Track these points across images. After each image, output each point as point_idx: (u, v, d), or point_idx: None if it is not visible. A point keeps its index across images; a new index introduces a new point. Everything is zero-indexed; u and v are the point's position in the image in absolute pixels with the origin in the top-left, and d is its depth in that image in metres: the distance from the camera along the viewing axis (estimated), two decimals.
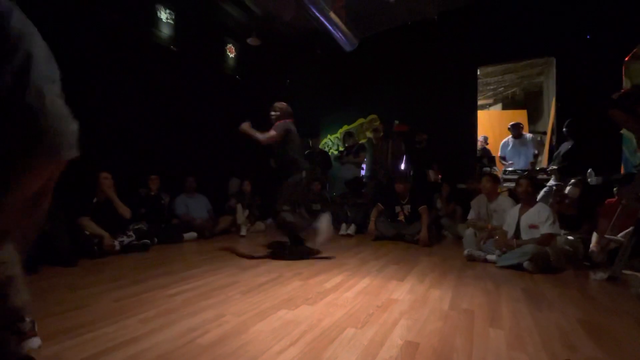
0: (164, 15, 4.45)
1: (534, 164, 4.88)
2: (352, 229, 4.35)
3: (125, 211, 3.20)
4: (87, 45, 3.55)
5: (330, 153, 6.28)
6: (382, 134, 5.35)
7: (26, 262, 2.30)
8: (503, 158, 5.09)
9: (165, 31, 4.47)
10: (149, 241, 3.29)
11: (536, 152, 5.04)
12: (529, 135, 5.20)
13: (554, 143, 4.75)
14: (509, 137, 5.12)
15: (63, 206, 2.78)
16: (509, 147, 5.07)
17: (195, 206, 4.28)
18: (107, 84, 3.75)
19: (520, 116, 6.77)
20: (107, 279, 2.23)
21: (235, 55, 5.68)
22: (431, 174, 4.86)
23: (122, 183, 3.51)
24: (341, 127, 6.71)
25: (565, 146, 3.74)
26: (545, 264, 2.53)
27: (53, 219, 2.65)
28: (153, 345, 1.28)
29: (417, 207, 3.91)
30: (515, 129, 5.03)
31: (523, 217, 2.84)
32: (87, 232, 2.91)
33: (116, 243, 3.05)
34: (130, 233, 3.22)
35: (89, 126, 3.80)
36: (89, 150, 3.40)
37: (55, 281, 2.16)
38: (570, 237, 2.92)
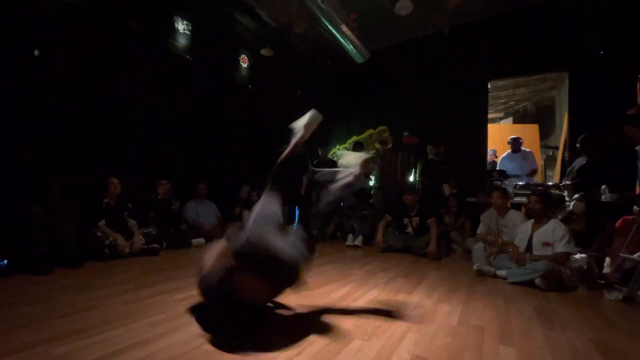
0: (181, 26, 4.60)
1: (530, 178, 4.85)
2: (359, 240, 4.33)
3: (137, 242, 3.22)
4: (106, 54, 3.68)
5: (339, 163, 6.30)
6: (390, 145, 5.36)
7: (40, 263, 2.36)
8: (503, 172, 5.06)
9: (182, 41, 4.60)
10: (158, 246, 3.33)
11: (534, 167, 5.01)
12: (528, 150, 5.18)
13: (566, 158, 4.69)
14: (508, 152, 5.12)
15: (77, 209, 2.85)
16: (509, 162, 5.06)
17: (205, 212, 4.32)
18: (123, 92, 3.86)
19: (531, 130, 6.72)
20: (116, 282, 2.26)
21: (248, 66, 5.80)
22: (446, 189, 4.82)
23: (135, 188, 3.58)
24: (350, 138, 6.76)
25: (580, 162, 3.69)
26: (557, 282, 2.47)
27: (66, 220, 2.71)
28: (161, 349, 1.28)
29: (425, 219, 3.88)
30: (515, 143, 5.03)
31: (536, 234, 2.78)
32: (107, 235, 2.98)
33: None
34: (140, 237, 3.28)
35: (106, 132, 3.90)
36: (103, 155, 3.47)
37: (66, 282, 2.19)
38: (583, 255, 2.85)
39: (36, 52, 3.12)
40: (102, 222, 3.04)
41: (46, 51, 3.17)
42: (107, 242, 2.95)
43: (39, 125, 3.13)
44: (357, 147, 5.73)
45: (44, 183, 2.78)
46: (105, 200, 3.18)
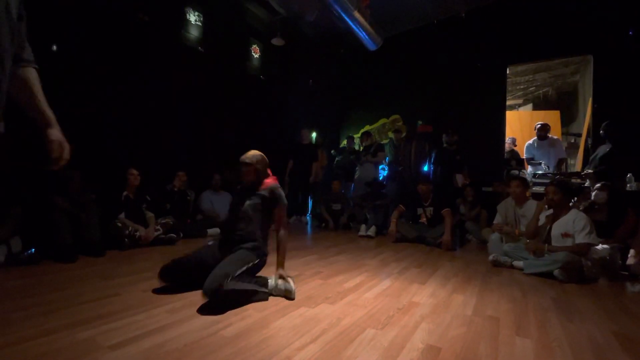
0: (192, 17, 4.60)
1: (560, 168, 4.66)
2: (372, 230, 4.31)
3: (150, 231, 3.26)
4: (119, 46, 3.73)
5: None
6: (404, 134, 5.28)
7: (66, 251, 2.46)
8: (531, 159, 4.87)
9: (194, 33, 4.61)
10: (175, 235, 3.42)
11: (563, 156, 4.80)
12: (555, 137, 4.97)
13: (589, 146, 4.50)
14: (534, 139, 4.91)
15: (97, 200, 2.95)
16: (535, 149, 4.86)
17: (220, 203, 4.39)
18: (137, 84, 3.92)
19: (552, 117, 6.46)
20: (137, 269, 2.34)
21: (259, 56, 5.77)
22: (459, 179, 4.72)
23: (151, 179, 3.66)
24: (363, 127, 6.68)
25: (603, 149, 3.54)
26: (578, 273, 2.41)
27: (88, 211, 2.81)
28: (179, 335, 1.33)
29: (440, 209, 3.83)
30: (542, 130, 4.81)
31: (555, 225, 2.69)
32: (127, 225, 3.07)
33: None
34: (158, 227, 3.37)
35: (120, 124, 3.97)
36: (120, 147, 3.55)
37: (90, 270, 2.29)
38: (605, 246, 2.76)
39: (54, 47, 3.19)
40: (122, 215, 3.13)
41: (62, 46, 3.24)
42: (127, 232, 3.04)
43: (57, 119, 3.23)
44: (364, 136, 5.67)
45: (64, 176, 2.88)
46: (125, 193, 3.26)
